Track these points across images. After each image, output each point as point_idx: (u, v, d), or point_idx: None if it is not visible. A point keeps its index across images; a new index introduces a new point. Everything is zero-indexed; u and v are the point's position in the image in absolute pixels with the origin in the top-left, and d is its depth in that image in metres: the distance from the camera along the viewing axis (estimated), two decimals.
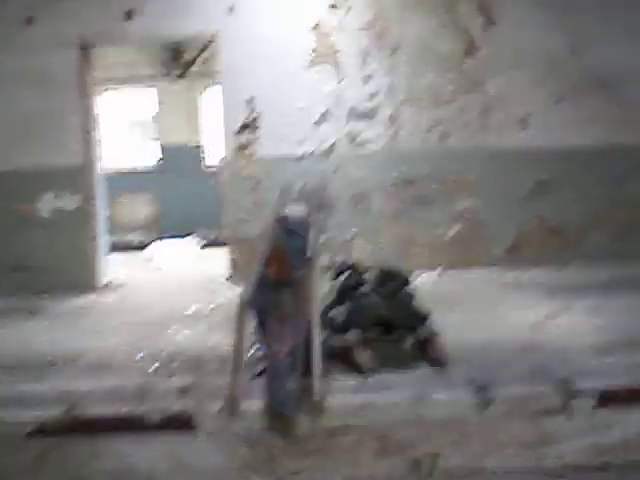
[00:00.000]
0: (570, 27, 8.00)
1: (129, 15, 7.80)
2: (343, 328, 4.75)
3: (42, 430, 4.06)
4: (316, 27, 7.95)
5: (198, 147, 13.12)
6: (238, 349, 3.85)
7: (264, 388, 3.97)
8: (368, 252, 7.97)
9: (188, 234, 11.91)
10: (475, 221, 8.17)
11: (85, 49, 8.00)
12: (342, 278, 5.25)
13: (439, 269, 7.88)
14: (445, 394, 4.17)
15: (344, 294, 4.97)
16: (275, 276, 3.83)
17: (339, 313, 4.85)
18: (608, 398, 4.15)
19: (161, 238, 11.75)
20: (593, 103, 8.10)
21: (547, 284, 7.29)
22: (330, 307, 5.02)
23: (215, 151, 12.91)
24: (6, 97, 7.88)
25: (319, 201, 4.77)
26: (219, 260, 9.44)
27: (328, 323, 4.79)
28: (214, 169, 12.72)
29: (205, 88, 12.91)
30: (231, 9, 7.86)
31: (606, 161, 8.14)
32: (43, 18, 7.81)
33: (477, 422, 4.09)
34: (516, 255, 8.10)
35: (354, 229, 8.01)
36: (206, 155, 13.19)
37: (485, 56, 8.07)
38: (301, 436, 3.95)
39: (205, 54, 11.90)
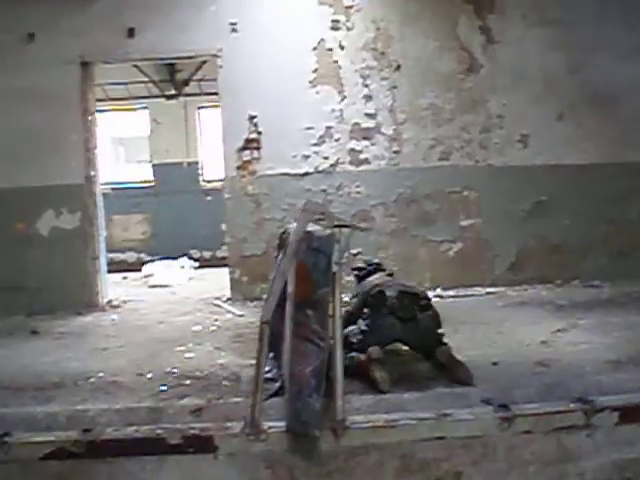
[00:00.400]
0: (569, 46, 8.09)
1: (131, 33, 7.79)
2: (359, 347, 4.73)
3: (57, 453, 3.97)
4: (318, 47, 7.98)
5: (194, 164, 13.07)
6: (260, 368, 3.81)
7: (286, 408, 3.92)
8: None
9: (182, 255, 11.84)
10: (477, 239, 8.20)
11: (86, 66, 7.97)
12: (368, 287, 5.26)
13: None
14: (465, 413, 4.14)
15: (364, 306, 4.98)
16: (299, 295, 3.80)
17: (355, 332, 4.83)
18: (628, 414, 4.14)
19: (154, 258, 11.67)
20: (592, 121, 8.18)
21: (550, 302, 7.31)
22: (350, 317, 5.01)
23: (212, 168, 12.93)
24: (7, 114, 7.82)
25: (340, 219, 4.74)
26: (216, 280, 9.43)
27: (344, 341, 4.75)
28: (211, 187, 12.74)
29: (200, 106, 12.92)
30: (233, 28, 7.87)
31: (606, 180, 8.18)
32: (45, 35, 7.80)
33: (498, 440, 4.06)
34: (518, 273, 8.12)
35: (356, 247, 7.99)
36: (202, 173, 13.15)
37: (485, 75, 8.14)
38: (323, 456, 3.91)
39: (200, 73, 11.92)
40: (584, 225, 8.17)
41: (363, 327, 4.87)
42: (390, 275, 5.69)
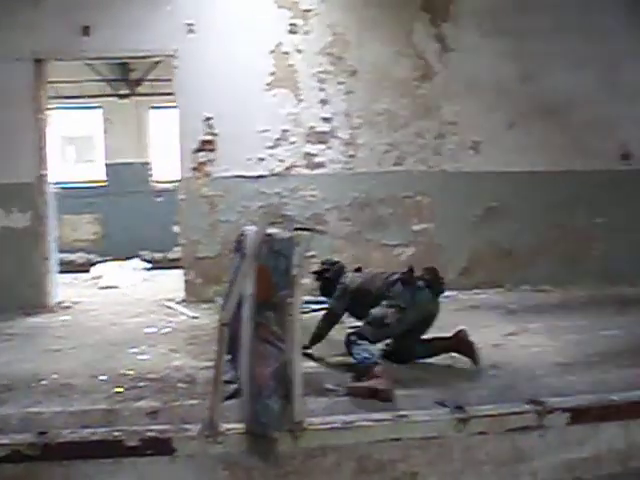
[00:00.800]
0: (521, 55, 8.27)
1: (86, 31, 7.69)
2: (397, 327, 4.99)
3: (12, 457, 3.89)
4: (275, 50, 7.99)
5: (145, 165, 12.94)
6: (219, 370, 3.80)
7: (245, 409, 3.93)
8: None
9: (134, 256, 11.72)
10: (429, 244, 8.30)
11: (39, 63, 7.83)
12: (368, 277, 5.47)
13: None
14: (421, 414, 4.19)
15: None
16: (260, 297, 3.81)
17: (390, 312, 4.99)
18: (579, 415, 4.25)
19: (105, 259, 11.53)
20: (542, 130, 8.38)
21: (501, 306, 7.45)
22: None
23: (163, 169, 12.83)
24: None
25: (300, 222, 4.81)
26: (168, 282, 9.36)
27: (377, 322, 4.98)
28: (162, 188, 12.63)
29: (153, 106, 12.81)
30: (190, 29, 7.84)
31: (554, 186, 8.38)
32: None
33: (454, 441, 4.13)
34: (469, 277, 8.24)
35: (310, 251, 8.00)
36: (153, 173, 13.03)
37: (440, 82, 8.26)
38: (281, 457, 3.92)
39: (154, 73, 11.82)
40: (533, 230, 8.34)
41: (402, 304, 5.02)
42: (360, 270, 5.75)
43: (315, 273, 5.85)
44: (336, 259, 6.10)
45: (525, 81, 8.31)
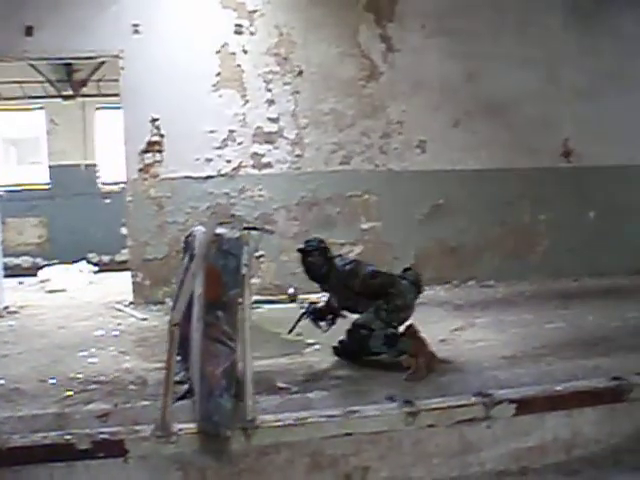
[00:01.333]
0: (465, 55, 8.46)
1: (29, 31, 7.57)
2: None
3: None
4: (221, 50, 7.99)
5: (91, 167, 12.76)
6: (170, 371, 3.81)
7: (197, 409, 3.94)
8: (273, 272, 8.08)
9: (80, 259, 11.56)
10: (377, 242, 8.40)
11: None
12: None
13: None
14: (371, 409, 4.25)
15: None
16: (210, 297, 3.82)
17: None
18: (525, 406, 4.37)
19: (51, 263, 11.35)
20: (486, 128, 8.57)
21: (448, 301, 7.59)
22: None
23: (110, 171, 12.66)
24: None
25: (248, 221, 4.85)
26: (116, 284, 9.28)
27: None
28: (108, 189, 12.48)
29: (99, 107, 12.64)
30: (136, 29, 7.78)
31: (498, 184, 8.59)
32: None
33: (404, 434, 4.20)
34: None
35: (259, 249, 8.03)
36: (100, 175, 12.86)
37: (385, 82, 8.37)
38: (234, 456, 3.95)
39: (99, 73, 11.68)
40: (479, 227, 8.54)
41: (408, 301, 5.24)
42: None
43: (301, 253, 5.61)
44: (320, 237, 5.86)
45: (469, 81, 8.50)
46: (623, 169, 8.96)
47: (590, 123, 8.82)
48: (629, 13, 8.98)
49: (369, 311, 5.19)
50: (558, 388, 4.53)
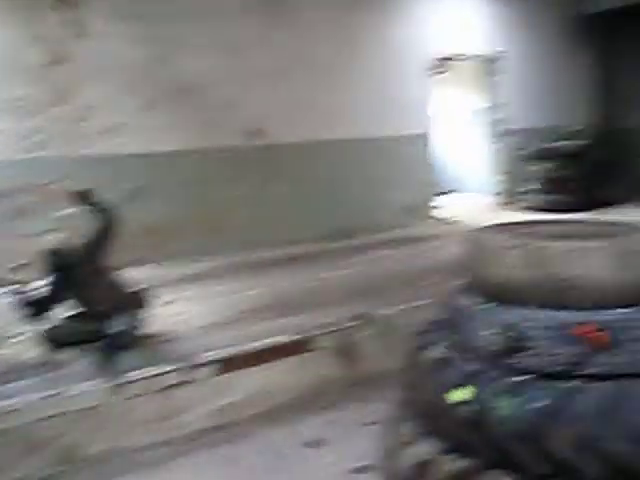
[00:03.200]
0: (156, 39, 8.60)
1: None
2: None
3: None
4: None
5: None
6: None
7: None
8: None
9: None
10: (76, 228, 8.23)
11: None
12: None
13: None
14: (78, 387, 4.33)
15: None
16: None
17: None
18: (227, 365, 4.72)
19: None
20: (180, 109, 8.83)
21: (148, 280, 7.73)
22: None
23: None
24: None
25: None
26: None
27: None
28: None
29: None
30: None
31: (193, 164, 8.92)
32: None
33: (111, 407, 4.34)
34: (118, 259, 8.35)
35: None
36: None
37: (74, 67, 8.22)
38: None
39: None
40: (178, 207, 8.78)
41: None
42: None
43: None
44: None
45: (161, 64, 8.64)
46: (309, 146, 9.75)
47: (278, 104, 9.45)
48: None
49: None
50: (256, 344, 4.95)
